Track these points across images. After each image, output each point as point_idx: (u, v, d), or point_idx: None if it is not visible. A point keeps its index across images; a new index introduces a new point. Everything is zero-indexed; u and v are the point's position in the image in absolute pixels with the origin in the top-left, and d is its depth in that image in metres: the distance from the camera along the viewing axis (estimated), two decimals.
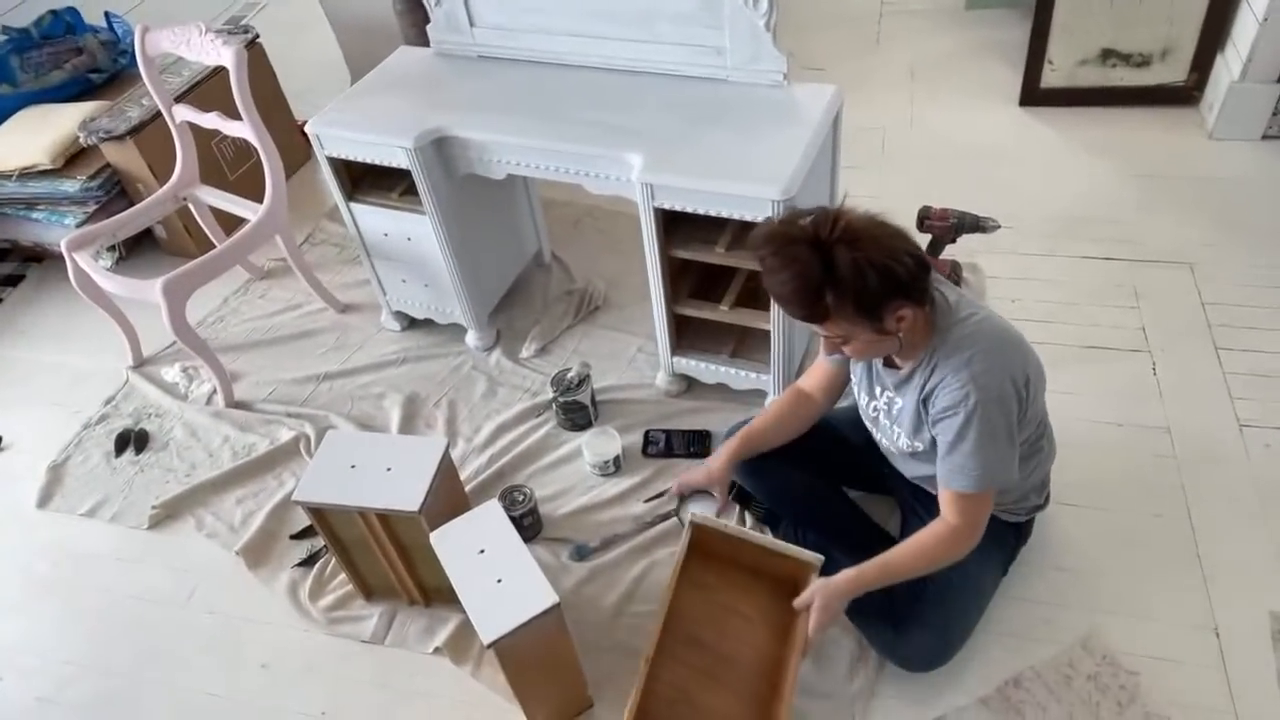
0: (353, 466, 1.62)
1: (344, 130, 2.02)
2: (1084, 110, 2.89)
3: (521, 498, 1.87)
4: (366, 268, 2.33)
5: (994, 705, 1.55)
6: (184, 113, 2.29)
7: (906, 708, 1.58)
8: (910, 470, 1.62)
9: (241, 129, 2.17)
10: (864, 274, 1.23)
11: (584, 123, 1.91)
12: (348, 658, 1.77)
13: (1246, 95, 2.60)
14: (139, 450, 2.24)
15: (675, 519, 1.90)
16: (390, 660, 1.76)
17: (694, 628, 1.66)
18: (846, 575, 1.48)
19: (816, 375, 1.70)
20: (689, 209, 1.77)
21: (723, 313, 1.99)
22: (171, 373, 2.43)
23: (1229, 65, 2.65)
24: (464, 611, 1.41)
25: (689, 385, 2.19)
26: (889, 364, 1.47)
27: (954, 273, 2.33)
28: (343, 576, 1.86)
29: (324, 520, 1.64)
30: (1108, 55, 2.83)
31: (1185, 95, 2.82)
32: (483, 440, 2.14)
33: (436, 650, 1.75)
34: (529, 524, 1.89)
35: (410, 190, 2.12)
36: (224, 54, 2.06)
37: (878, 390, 1.53)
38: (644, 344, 2.32)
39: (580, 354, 2.34)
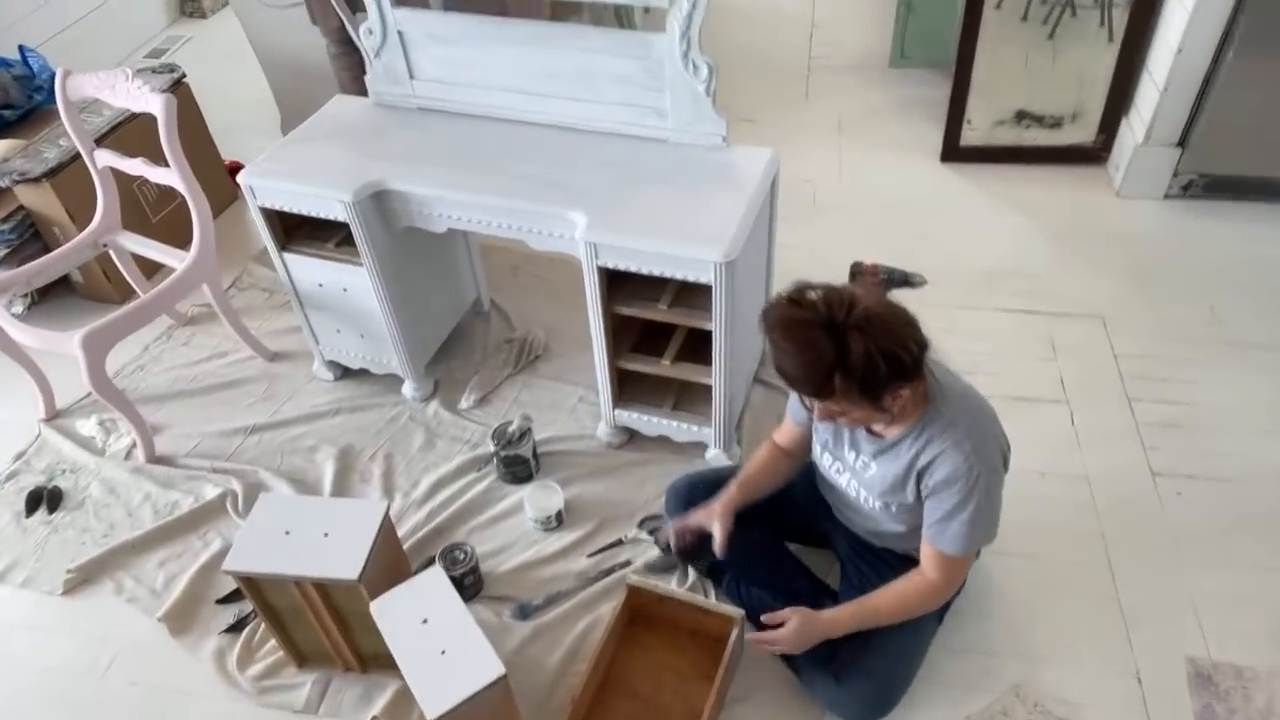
0: (287, 532, 1.57)
1: (279, 181, 1.99)
2: (1000, 167, 3.04)
3: (463, 556, 1.84)
4: (298, 316, 2.28)
5: None
6: (106, 158, 2.21)
7: None
8: (863, 526, 1.67)
9: (168, 176, 2.10)
10: (874, 362, 1.25)
11: (526, 178, 1.92)
12: None
13: (1150, 157, 2.78)
14: (52, 509, 2.12)
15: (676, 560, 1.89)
16: None
17: (631, 680, 1.69)
18: (826, 614, 1.51)
19: (786, 435, 1.74)
20: (632, 268, 1.79)
21: (664, 367, 2.01)
22: (87, 426, 2.32)
23: (1133, 129, 2.82)
24: (402, 677, 1.38)
25: (630, 437, 2.20)
26: (870, 431, 1.51)
27: None
28: (273, 643, 1.80)
29: (255, 588, 1.58)
30: (1022, 116, 2.98)
31: (1094, 155, 2.99)
32: (421, 495, 2.11)
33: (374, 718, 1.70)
34: (470, 583, 1.86)
35: (347, 240, 2.09)
36: (152, 102, 2.00)
37: (848, 453, 1.57)
38: (585, 394, 2.32)
39: (520, 404, 2.32)
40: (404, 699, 1.71)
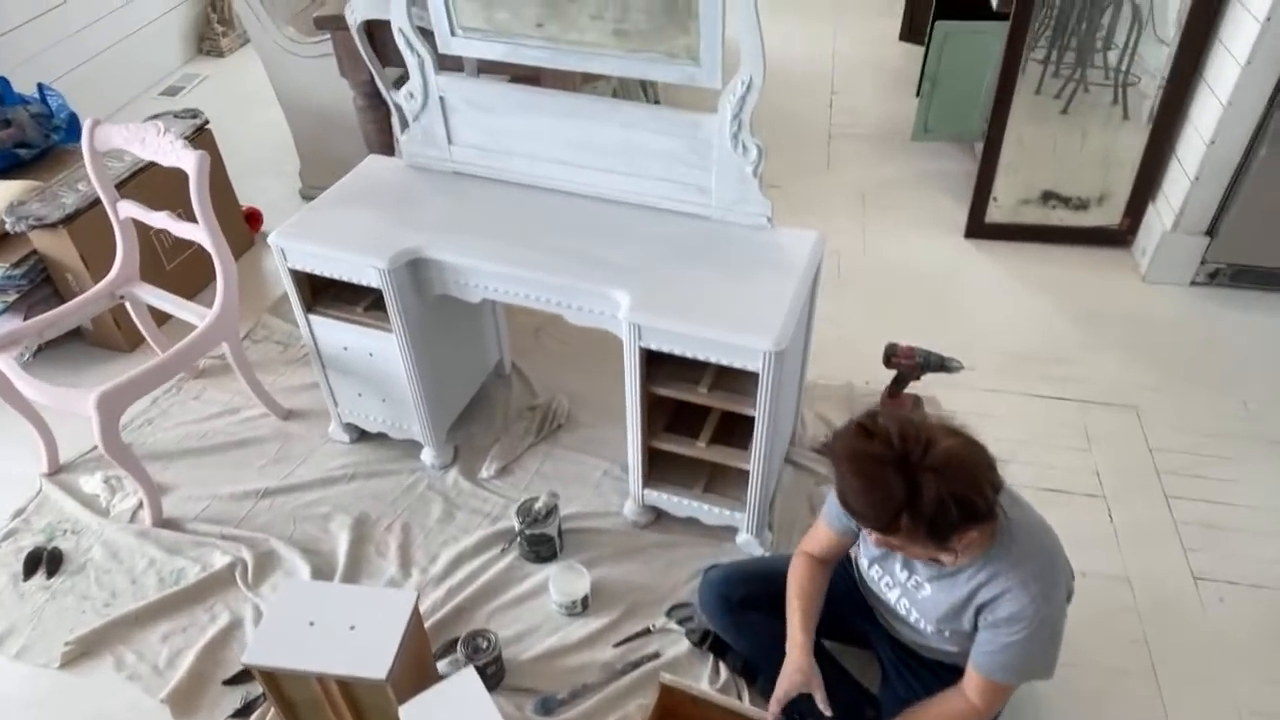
0: (311, 623, 1.49)
1: (311, 245, 1.93)
2: (1024, 245, 3.03)
3: (485, 644, 1.76)
4: (318, 376, 2.21)
5: None
6: (130, 209, 2.16)
7: None
8: (909, 638, 1.60)
9: (195, 232, 2.05)
10: (946, 507, 1.20)
11: (566, 252, 1.88)
12: None
13: (1178, 245, 2.78)
14: (51, 573, 2.03)
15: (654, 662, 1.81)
16: None
17: None
18: None
19: (823, 542, 1.65)
20: (675, 351, 1.75)
21: (699, 450, 1.95)
22: (92, 483, 2.23)
23: (1160, 214, 2.82)
24: None
25: (657, 516, 2.13)
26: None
27: (916, 407, 2.37)
28: None
29: (273, 681, 1.50)
30: (1048, 196, 2.99)
31: (1119, 238, 2.99)
32: (440, 571, 2.03)
33: None
34: (492, 672, 1.78)
35: (376, 304, 2.04)
36: (185, 159, 1.95)
37: (900, 571, 1.52)
38: (609, 468, 2.26)
39: (543, 476, 2.26)
40: None
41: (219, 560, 2.04)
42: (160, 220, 2.11)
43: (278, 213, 3.17)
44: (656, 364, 1.86)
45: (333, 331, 2.09)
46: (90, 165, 2.08)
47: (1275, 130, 2.45)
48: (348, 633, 1.48)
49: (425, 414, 2.15)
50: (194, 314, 2.19)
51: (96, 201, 2.36)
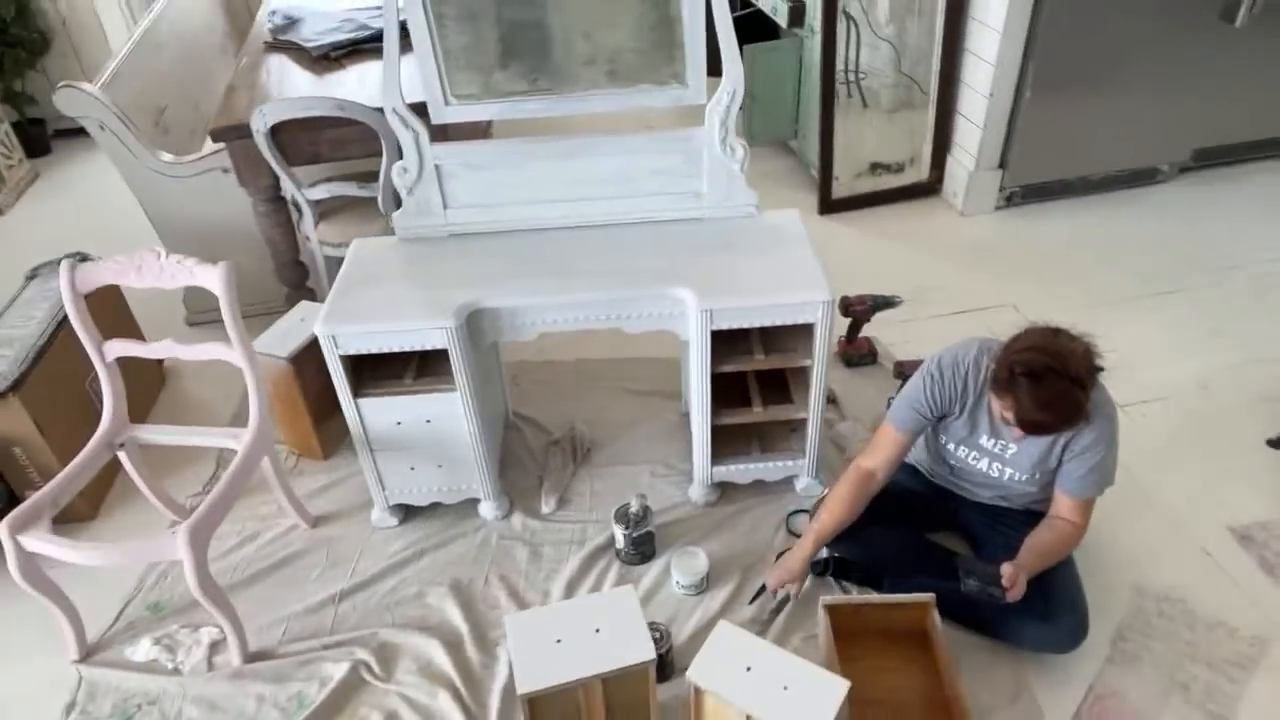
0: (558, 641, 1.56)
1: (364, 325, 1.96)
2: (868, 211, 3.63)
3: (659, 635, 1.88)
4: (365, 464, 2.19)
5: (1117, 660, 1.90)
6: (118, 349, 2.02)
7: (1064, 688, 1.86)
8: (991, 495, 1.98)
9: (222, 352, 1.97)
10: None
11: (604, 272, 2.07)
12: None
13: (980, 181, 3.50)
14: None
15: (791, 600, 2.03)
16: None
17: (864, 692, 1.82)
18: (1020, 561, 1.77)
19: (886, 449, 1.97)
20: (744, 325, 2.00)
21: (758, 414, 2.21)
22: (141, 650, 2.02)
23: (961, 161, 3.53)
24: None
25: (721, 493, 2.35)
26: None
27: (872, 349, 2.80)
28: None
29: (537, 708, 1.54)
30: (875, 167, 3.61)
31: (933, 188, 3.68)
32: (559, 599, 2.09)
33: None
34: (670, 660, 1.90)
35: (422, 373, 2.10)
36: (207, 276, 1.89)
37: (986, 441, 1.89)
38: (654, 468, 2.44)
39: (597, 494, 2.39)
40: None
41: (336, 670, 1.95)
42: (164, 349, 2.00)
43: None
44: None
45: (384, 411, 2.10)
46: (73, 310, 1.93)
47: (1032, 78, 3.21)
48: (595, 636, 1.57)
49: (485, 466, 2.21)
50: (229, 438, 2.08)
51: (40, 357, 2.16)
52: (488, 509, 2.31)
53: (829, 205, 3.63)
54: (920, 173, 3.67)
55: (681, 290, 2.00)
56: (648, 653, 1.54)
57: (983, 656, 1.92)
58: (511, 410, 2.65)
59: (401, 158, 2.12)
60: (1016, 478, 1.91)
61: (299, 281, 3.01)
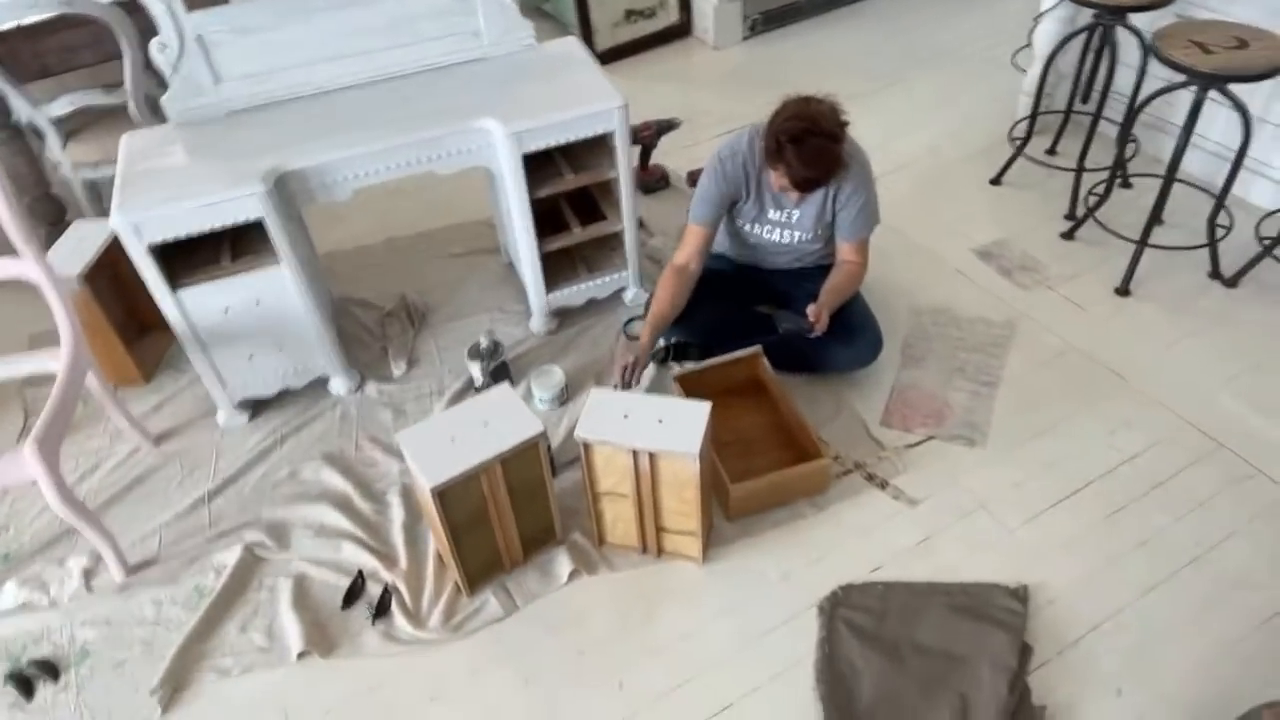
0: (452, 439, 1.67)
1: (168, 207, 1.89)
2: (631, 60, 3.81)
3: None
4: (197, 362, 2.13)
5: (908, 365, 2.29)
6: None
7: (873, 395, 2.22)
8: (788, 261, 2.28)
9: (15, 267, 1.83)
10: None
11: (403, 120, 2.10)
12: (499, 639, 1.79)
13: (724, 14, 3.76)
14: (56, 678, 1.77)
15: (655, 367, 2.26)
16: (537, 612, 1.82)
17: (719, 437, 2.10)
18: (820, 301, 2.06)
19: (693, 243, 2.19)
20: (552, 143, 2.12)
21: (578, 234, 2.36)
22: (7, 597, 1.91)
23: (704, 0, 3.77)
24: (561, 543, 1.78)
25: (560, 321, 2.50)
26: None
27: (664, 175, 3.01)
28: (429, 596, 1.84)
29: (446, 503, 1.65)
30: (630, 14, 3.76)
31: (685, 29, 3.91)
32: None
33: (572, 575, 1.87)
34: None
35: (241, 253, 2.06)
36: None
37: (774, 213, 2.16)
38: (491, 314, 2.55)
39: (444, 349, 2.47)
40: (577, 550, 1.90)
41: (228, 557, 1.95)
42: None
43: None
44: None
45: (209, 298, 2.04)
46: None
47: None
48: (484, 428, 1.69)
49: (327, 340, 2.22)
50: (27, 363, 1.95)
51: None
52: (339, 384, 2.33)
53: (598, 57, 3.75)
54: (671, 15, 3.87)
55: (487, 120, 2.08)
56: (536, 427, 1.69)
57: (806, 389, 2.24)
58: (335, 296, 2.63)
59: (146, 55, 2.00)
60: (804, 238, 2.20)
61: (58, 217, 2.77)
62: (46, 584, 1.93)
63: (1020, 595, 1.76)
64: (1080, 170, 2.66)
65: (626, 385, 2.09)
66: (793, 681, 1.68)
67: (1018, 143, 2.86)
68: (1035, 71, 2.88)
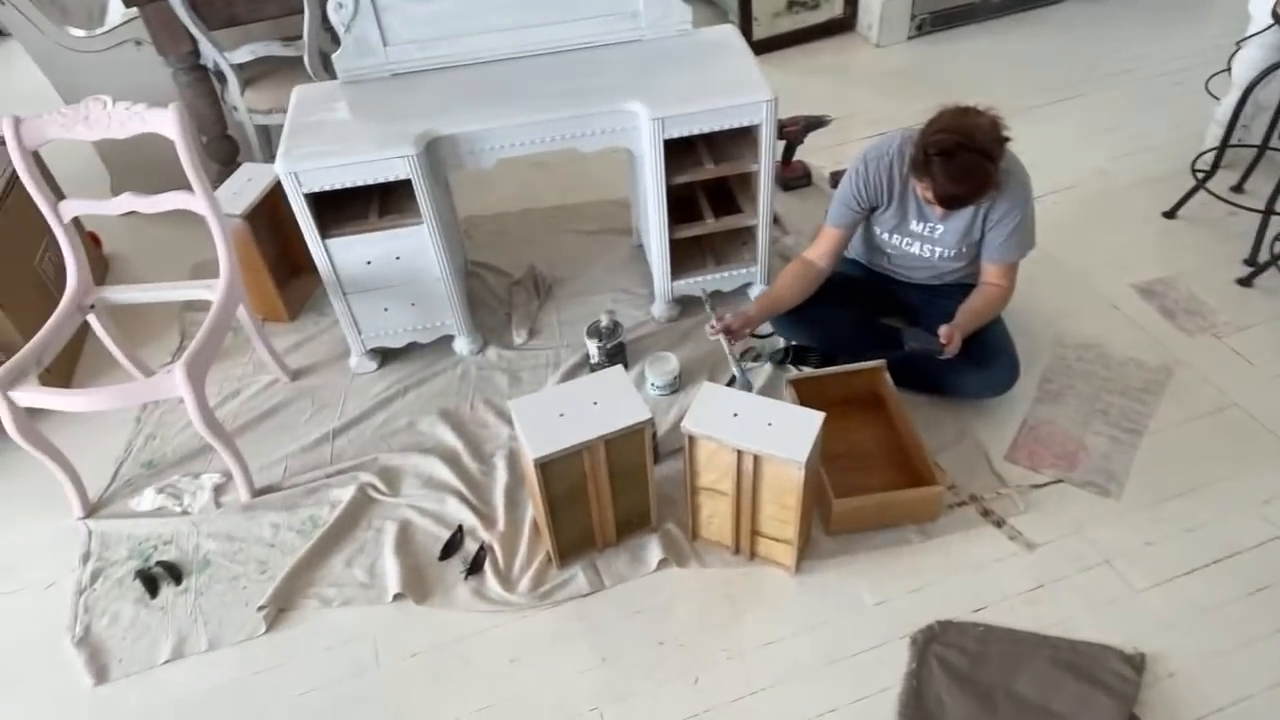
0: (561, 414, 1.70)
1: (325, 160, 1.99)
2: (790, 50, 3.73)
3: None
4: (339, 308, 2.24)
5: (1045, 399, 2.15)
6: (75, 207, 2.00)
7: (1001, 426, 2.10)
8: (924, 276, 2.17)
9: (188, 201, 1.98)
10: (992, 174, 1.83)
11: (555, 95, 2.13)
12: (581, 615, 1.81)
13: (892, 11, 3.61)
14: (179, 581, 1.92)
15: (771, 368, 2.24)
16: (623, 595, 1.83)
17: (831, 448, 2.03)
18: (955, 323, 1.96)
19: (826, 243, 2.13)
20: (695, 131, 2.10)
21: (711, 225, 2.34)
22: (147, 500, 2.09)
23: None
24: (655, 530, 1.76)
25: (682, 308, 2.49)
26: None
27: (807, 172, 2.94)
28: (521, 560, 1.88)
29: (547, 475, 1.68)
30: (793, 4, 3.68)
31: (848, 23, 3.79)
32: None
33: (661, 563, 1.87)
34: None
35: (387, 210, 2.15)
36: (161, 120, 1.88)
37: (915, 225, 2.06)
38: (615, 295, 2.57)
39: (565, 323, 2.50)
40: (670, 540, 1.90)
41: (344, 494, 2.06)
42: (125, 204, 1.99)
43: (109, 234, 2.91)
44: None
45: (354, 250, 2.14)
46: (23, 167, 1.90)
47: None
48: (593, 407, 1.71)
49: (457, 301, 2.30)
50: (203, 289, 2.09)
51: None
52: (462, 344, 2.41)
53: (752, 47, 3.69)
54: (835, 8, 3.76)
55: (633, 103, 2.08)
56: (643, 413, 1.69)
57: (928, 410, 2.14)
58: (469, 260, 2.71)
59: (324, 13, 2.10)
60: (946, 255, 2.09)
61: (230, 157, 2.96)
62: (181, 494, 2.10)
63: (1136, 663, 1.63)
64: (1269, 212, 2.41)
65: (728, 338, 2.06)
66: (873, 710, 1.62)
67: (1201, 175, 2.62)
68: (1231, 100, 2.63)
